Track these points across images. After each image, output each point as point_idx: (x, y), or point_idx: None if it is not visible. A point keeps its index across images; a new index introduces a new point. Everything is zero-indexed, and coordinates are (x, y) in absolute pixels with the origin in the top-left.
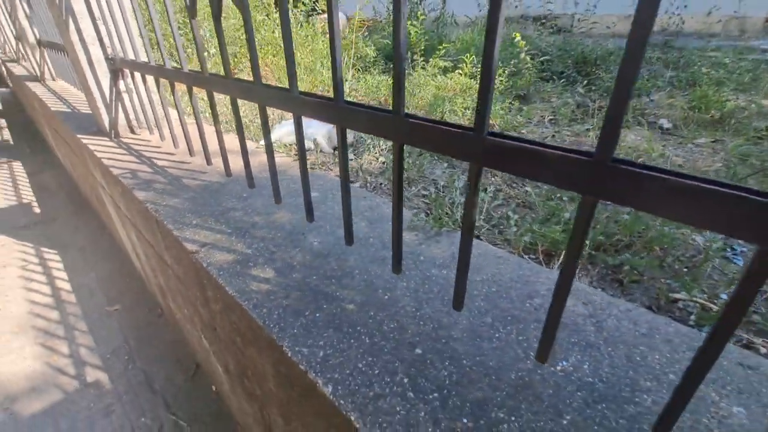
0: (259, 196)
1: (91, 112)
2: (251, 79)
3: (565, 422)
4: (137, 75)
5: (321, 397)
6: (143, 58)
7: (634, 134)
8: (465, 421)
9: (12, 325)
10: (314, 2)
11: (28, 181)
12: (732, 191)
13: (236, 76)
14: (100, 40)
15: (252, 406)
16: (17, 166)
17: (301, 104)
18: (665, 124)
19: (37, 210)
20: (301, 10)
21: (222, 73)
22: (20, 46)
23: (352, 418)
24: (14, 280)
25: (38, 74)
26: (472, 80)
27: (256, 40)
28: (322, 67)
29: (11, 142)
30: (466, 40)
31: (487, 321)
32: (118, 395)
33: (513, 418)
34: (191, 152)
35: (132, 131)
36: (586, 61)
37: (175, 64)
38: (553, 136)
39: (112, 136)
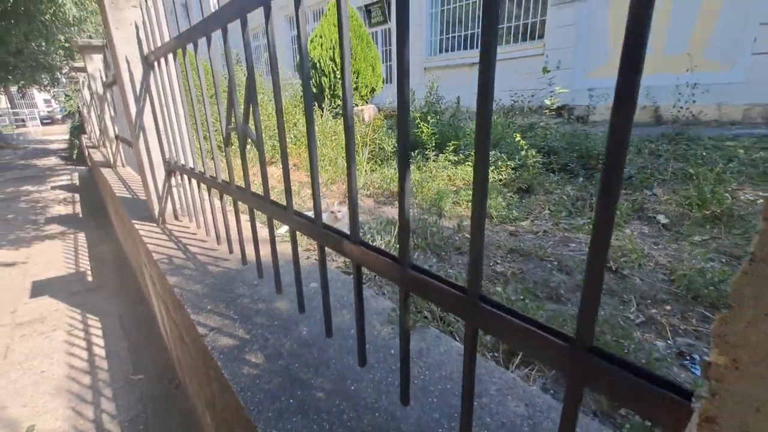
0: (265, 285)
1: (145, 199)
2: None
3: None
4: (185, 177)
5: None
6: (191, 164)
7: (630, 229)
8: None
9: (51, 387)
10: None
11: (87, 251)
12: (540, 332)
13: (271, 164)
14: (161, 148)
15: None
16: (81, 236)
17: (295, 222)
18: (663, 219)
19: (90, 278)
20: (336, 105)
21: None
22: (102, 137)
23: None
24: (60, 343)
25: (111, 161)
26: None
27: (292, 134)
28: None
29: (80, 215)
30: None
31: (435, 417)
32: None
33: None
34: (218, 240)
35: (176, 218)
36: (590, 155)
37: (212, 174)
38: (545, 231)
39: (159, 222)
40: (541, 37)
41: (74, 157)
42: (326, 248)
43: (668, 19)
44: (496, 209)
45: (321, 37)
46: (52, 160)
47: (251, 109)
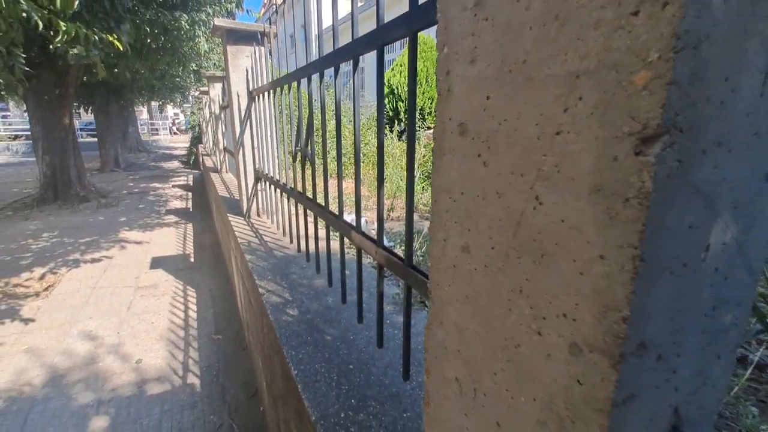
0: (311, 268)
1: (238, 198)
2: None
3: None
4: (267, 183)
5: (291, 379)
6: (273, 174)
7: None
8: (353, 402)
9: (157, 334)
10: (422, 119)
11: (192, 238)
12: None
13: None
14: (253, 159)
15: (274, 408)
16: (189, 226)
17: (342, 227)
18: None
19: (192, 260)
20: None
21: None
22: (213, 148)
23: (299, 388)
24: (166, 304)
25: (219, 168)
26: None
27: (362, 151)
28: (400, 179)
29: (191, 210)
30: None
31: (398, 355)
32: (202, 396)
33: (382, 410)
34: (284, 233)
35: (258, 215)
36: None
37: (291, 184)
38: None
39: (246, 216)
40: None
41: (191, 162)
42: (361, 249)
43: None
44: None
45: (401, 65)
46: (175, 164)
47: (309, 138)
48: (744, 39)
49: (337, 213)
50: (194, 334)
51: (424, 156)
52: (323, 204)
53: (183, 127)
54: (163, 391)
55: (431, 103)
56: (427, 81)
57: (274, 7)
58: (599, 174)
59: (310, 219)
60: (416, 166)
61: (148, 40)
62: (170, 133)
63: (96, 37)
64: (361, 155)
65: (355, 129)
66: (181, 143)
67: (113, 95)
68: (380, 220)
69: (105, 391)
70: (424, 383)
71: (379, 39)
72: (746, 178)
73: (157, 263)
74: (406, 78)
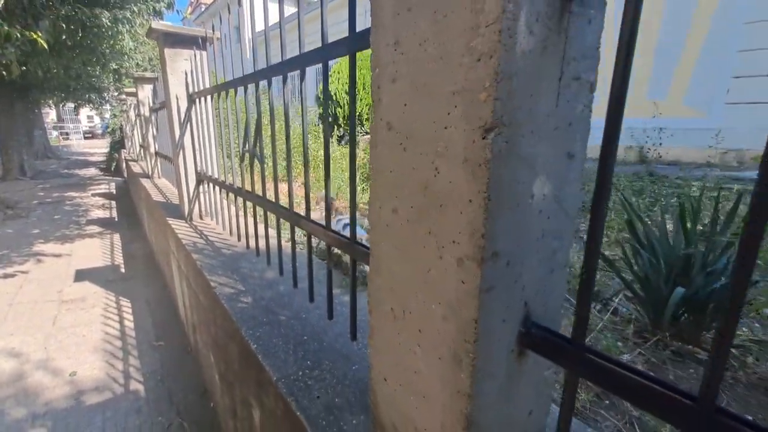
0: (260, 261)
1: (178, 203)
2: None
3: (355, 367)
4: (211, 184)
5: (252, 354)
6: (216, 175)
7: None
8: (308, 363)
9: (90, 346)
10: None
11: (121, 249)
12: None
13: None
14: (195, 161)
15: (229, 395)
16: (116, 236)
17: (294, 219)
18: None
19: (123, 270)
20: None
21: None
22: (142, 151)
23: (260, 358)
24: (97, 316)
25: (149, 173)
26: None
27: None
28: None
29: (116, 219)
30: None
31: (346, 326)
32: (147, 401)
33: (335, 366)
34: (230, 232)
35: (200, 217)
36: None
37: (239, 184)
38: None
39: (188, 219)
40: None
41: (112, 169)
42: (311, 235)
43: (651, 67)
44: None
45: (338, 72)
46: (92, 171)
47: (258, 141)
48: (539, 75)
49: (287, 206)
50: (133, 343)
51: (363, 159)
52: (273, 200)
53: (99, 131)
54: (104, 399)
55: (368, 109)
56: (364, 88)
57: (202, 7)
58: (466, 151)
59: (258, 215)
60: (356, 167)
61: (64, 37)
62: (83, 137)
63: (17, 34)
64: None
65: (303, 130)
66: (97, 148)
67: (19, 95)
68: (327, 208)
69: (38, 405)
70: (369, 321)
71: (325, 55)
72: (554, 154)
73: (82, 276)
74: (345, 85)
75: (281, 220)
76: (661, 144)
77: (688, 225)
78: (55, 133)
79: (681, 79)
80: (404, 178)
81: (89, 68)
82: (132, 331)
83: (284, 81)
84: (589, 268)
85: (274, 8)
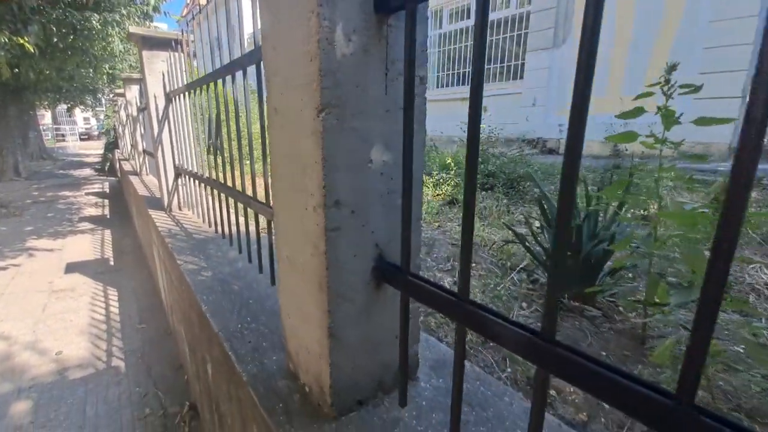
0: (227, 244)
1: (159, 196)
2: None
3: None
4: (188, 177)
5: (203, 315)
6: (192, 167)
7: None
8: (249, 319)
9: (77, 330)
10: None
11: (111, 244)
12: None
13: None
14: (173, 156)
15: (194, 360)
16: (107, 233)
17: (247, 201)
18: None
19: (112, 263)
20: None
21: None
22: (132, 150)
23: (207, 316)
24: (86, 304)
25: (138, 170)
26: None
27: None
28: None
29: (108, 217)
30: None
31: None
32: (127, 374)
33: (270, 321)
34: (203, 220)
35: (179, 209)
36: (512, 178)
37: (208, 174)
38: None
39: (167, 210)
40: (521, 77)
41: (106, 169)
42: (258, 214)
43: (624, 66)
44: (431, 214)
45: None
46: (87, 172)
47: (218, 133)
48: (364, 71)
49: (240, 190)
50: (117, 326)
51: None
52: (234, 186)
53: (95, 132)
54: (87, 374)
55: None
56: None
57: (197, 8)
58: (311, 126)
59: (225, 204)
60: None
61: (55, 40)
62: (79, 138)
63: (5, 39)
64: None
65: (261, 124)
66: (93, 149)
67: (12, 97)
68: (266, 188)
69: (24, 380)
70: (277, 269)
71: (259, 56)
72: (387, 131)
73: (73, 268)
74: None
75: (238, 202)
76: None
77: (583, 204)
78: (49, 135)
79: (652, 77)
80: (286, 150)
81: (82, 70)
82: (117, 316)
83: (233, 79)
84: (465, 231)
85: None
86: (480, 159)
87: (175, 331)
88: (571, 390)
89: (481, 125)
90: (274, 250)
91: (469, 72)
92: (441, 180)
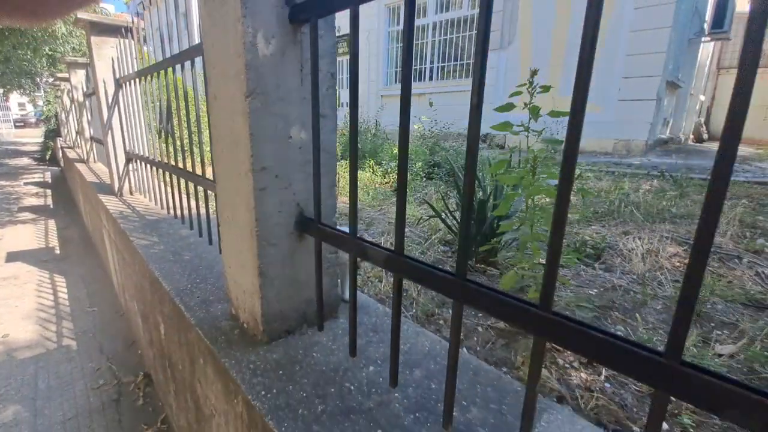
0: (179, 224)
1: (110, 182)
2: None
3: None
4: (140, 162)
5: (156, 280)
6: (144, 152)
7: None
8: (198, 280)
9: (22, 314)
10: None
11: (56, 233)
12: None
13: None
14: (123, 141)
15: (146, 327)
16: (51, 222)
17: (195, 179)
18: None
19: (58, 252)
20: None
21: (182, 166)
22: (78, 137)
23: (160, 279)
24: (31, 291)
25: (85, 158)
26: (375, 176)
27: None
28: None
29: (51, 207)
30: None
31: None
32: (79, 352)
33: (217, 282)
34: (156, 203)
35: (131, 193)
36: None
37: (159, 158)
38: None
39: (119, 195)
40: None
41: (47, 158)
42: (207, 190)
43: (561, 68)
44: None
45: None
46: (25, 161)
47: (169, 118)
48: (283, 66)
49: (191, 170)
50: (66, 310)
51: None
52: (185, 168)
53: (32, 119)
54: (37, 354)
55: None
56: None
57: None
58: (241, 107)
59: (177, 185)
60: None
61: None
62: (14, 126)
63: None
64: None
65: (208, 110)
66: (30, 138)
67: None
68: (213, 166)
69: None
70: (218, 228)
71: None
72: (304, 114)
73: (14, 257)
74: None
75: (189, 181)
76: (559, 134)
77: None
78: None
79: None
80: (223, 128)
81: (20, 51)
82: (66, 301)
83: (183, 68)
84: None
85: None
86: (429, 152)
87: (127, 309)
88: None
89: (428, 120)
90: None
91: (427, 68)
92: (389, 170)
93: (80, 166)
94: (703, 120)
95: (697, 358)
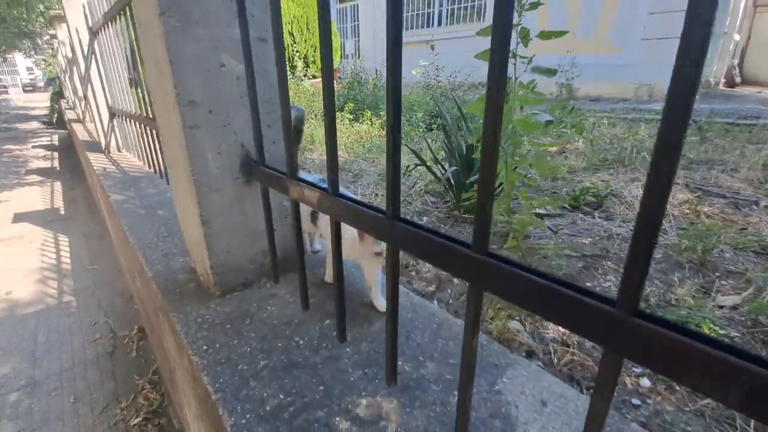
0: (159, 179)
1: (98, 140)
2: None
3: None
4: (123, 117)
5: (125, 234)
6: (128, 108)
7: None
8: (165, 234)
9: (26, 271)
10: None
11: (62, 195)
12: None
13: None
14: (105, 96)
15: (133, 282)
16: (57, 184)
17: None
18: None
19: (62, 212)
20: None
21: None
22: (74, 97)
23: (127, 233)
24: (35, 249)
25: (81, 117)
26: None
27: None
28: None
29: (58, 169)
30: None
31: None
32: (78, 308)
33: (182, 237)
34: (141, 160)
35: (118, 150)
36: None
37: (136, 111)
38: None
39: (106, 153)
40: (484, 19)
41: (54, 121)
42: None
43: (580, 7)
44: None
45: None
46: (34, 125)
47: (135, 65)
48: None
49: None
50: (68, 268)
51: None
52: (155, 117)
53: (41, 83)
54: (38, 309)
55: (314, 51)
56: (308, 29)
57: None
58: (158, 29)
59: (151, 137)
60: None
61: None
62: (23, 90)
63: None
64: None
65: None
66: (39, 102)
67: None
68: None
69: None
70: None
71: None
72: (238, 38)
73: (21, 218)
74: (287, 25)
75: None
76: (576, 78)
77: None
78: None
79: (605, 19)
80: (149, 57)
81: (14, 11)
82: (68, 259)
83: None
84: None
85: None
86: (432, 102)
87: (122, 266)
88: (426, 269)
89: (426, 64)
90: None
91: (435, 11)
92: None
93: (76, 126)
94: (736, 62)
95: (693, 311)
